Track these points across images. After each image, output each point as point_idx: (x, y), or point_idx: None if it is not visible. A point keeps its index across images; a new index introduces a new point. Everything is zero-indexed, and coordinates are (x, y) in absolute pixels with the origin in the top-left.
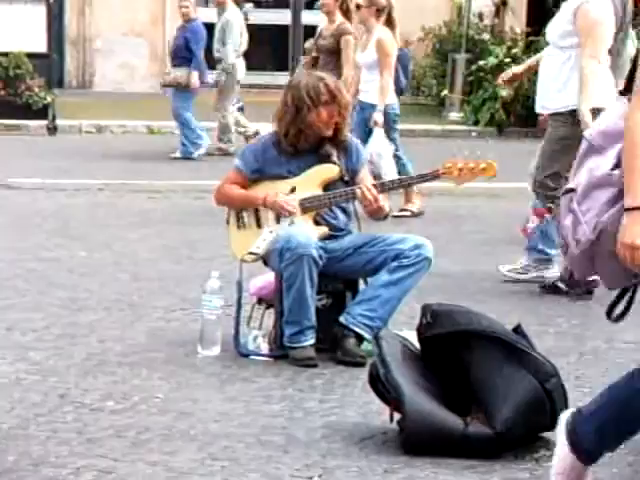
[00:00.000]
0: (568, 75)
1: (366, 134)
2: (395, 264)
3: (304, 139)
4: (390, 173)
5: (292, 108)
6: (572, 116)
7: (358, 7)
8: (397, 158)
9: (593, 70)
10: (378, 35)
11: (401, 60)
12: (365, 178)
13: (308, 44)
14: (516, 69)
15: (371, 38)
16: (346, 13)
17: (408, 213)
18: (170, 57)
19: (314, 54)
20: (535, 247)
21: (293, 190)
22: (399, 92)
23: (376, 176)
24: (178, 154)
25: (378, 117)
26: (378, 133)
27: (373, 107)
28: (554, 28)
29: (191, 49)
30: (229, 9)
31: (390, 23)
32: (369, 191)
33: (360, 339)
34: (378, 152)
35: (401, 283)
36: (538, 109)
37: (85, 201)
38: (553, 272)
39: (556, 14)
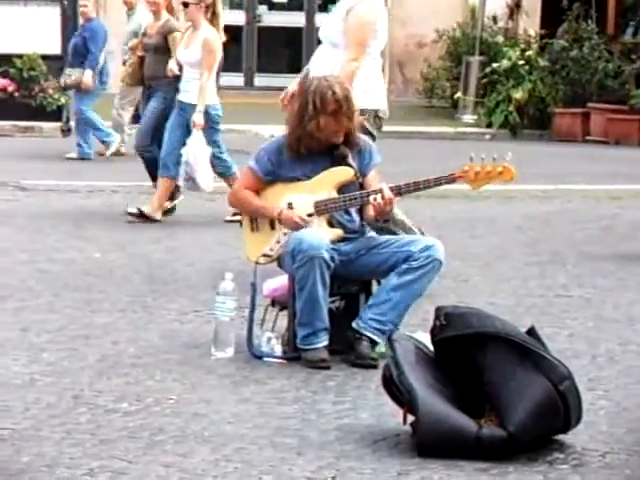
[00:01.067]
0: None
1: (184, 135)
2: (405, 267)
3: (305, 146)
4: (205, 177)
5: (297, 114)
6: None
7: (186, 5)
8: (220, 160)
9: (353, 72)
10: (205, 34)
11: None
12: (373, 180)
13: (131, 44)
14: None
15: (197, 36)
16: (171, 11)
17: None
18: (68, 57)
19: (139, 53)
20: None
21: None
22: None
23: (191, 178)
24: (74, 155)
25: (197, 118)
26: (197, 135)
27: (194, 107)
28: (328, 26)
29: (89, 49)
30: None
31: (215, 19)
32: (387, 194)
33: (374, 342)
34: (195, 154)
35: (410, 286)
36: None
37: (99, 203)
38: None
39: (332, 12)
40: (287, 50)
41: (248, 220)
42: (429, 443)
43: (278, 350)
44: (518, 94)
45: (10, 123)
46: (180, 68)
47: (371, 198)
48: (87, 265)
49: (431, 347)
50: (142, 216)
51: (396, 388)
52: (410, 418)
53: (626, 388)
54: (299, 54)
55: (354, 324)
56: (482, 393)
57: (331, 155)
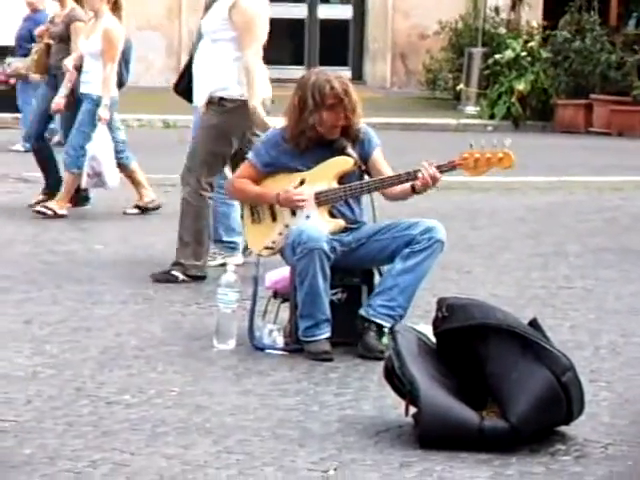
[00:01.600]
0: (224, 67)
1: (85, 126)
2: (408, 250)
3: (306, 140)
4: (111, 172)
5: (297, 109)
6: (222, 105)
7: None
8: (118, 152)
9: (257, 66)
10: (106, 24)
11: (125, 53)
12: (378, 161)
13: (38, 30)
14: None
15: (98, 26)
16: (78, 0)
17: (136, 211)
18: (15, 47)
19: (46, 41)
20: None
21: (302, 182)
22: (119, 85)
23: (97, 174)
24: (19, 147)
25: (103, 112)
26: (101, 129)
27: (94, 98)
28: (210, 21)
29: (35, 40)
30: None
31: (117, 9)
32: (430, 170)
33: (381, 332)
34: (101, 149)
35: (416, 269)
36: (198, 102)
37: (101, 195)
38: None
39: (213, 7)
40: (290, 42)
41: (249, 212)
42: (431, 435)
43: (280, 342)
44: (521, 85)
45: (12, 115)
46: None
47: (419, 174)
48: (89, 257)
49: (433, 339)
50: (47, 213)
51: (398, 380)
52: (412, 410)
53: (628, 380)
54: (301, 46)
55: (363, 312)
56: (484, 385)
57: (330, 146)
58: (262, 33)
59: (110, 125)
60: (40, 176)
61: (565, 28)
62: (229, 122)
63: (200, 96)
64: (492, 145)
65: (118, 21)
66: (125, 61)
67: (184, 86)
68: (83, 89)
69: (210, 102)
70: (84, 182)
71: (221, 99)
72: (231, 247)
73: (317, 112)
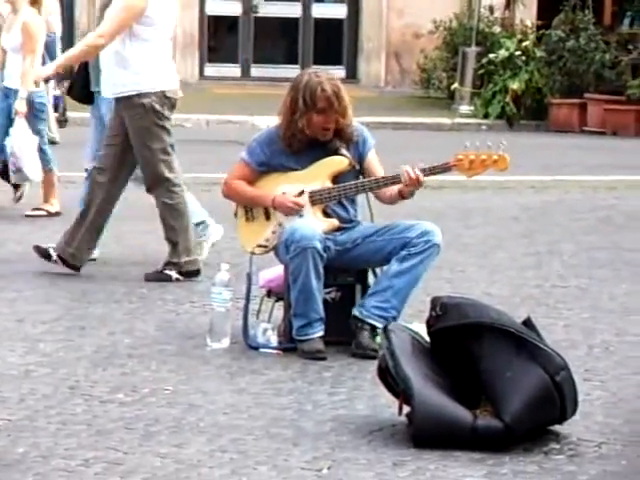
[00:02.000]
0: (127, 63)
1: (10, 122)
2: (404, 253)
3: (297, 142)
4: (32, 166)
5: (288, 110)
6: (138, 103)
7: None
8: (41, 152)
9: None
10: (25, 17)
11: (48, 46)
12: (373, 162)
13: None
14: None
15: (17, 19)
16: None
17: (44, 213)
18: None
19: None
20: None
21: (301, 193)
22: (46, 80)
23: (18, 169)
24: None
25: (19, 106)
26: (20, 123)
27: (16, 93)
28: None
29: None
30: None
31: (35, 2)
32: (413, 172)
33: (374, 332)
34: (19, 144)
35: (412, 271)
36: (109, 94)
37: None
38: None
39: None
40: (284, 41)
41: (243, 210)
42: (425, 434)
43: (274, 341)
44: (515, 85)
45: None
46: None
47: (402, 178)
48: None
49: (427, 338)
50: None
51: (392, 379)
52: (406, 409)
53: (622, 379)
54: (296, 45)
55: (356, 312)
56: (478, 383)
57: (325, 147)
58: (130, 23)
59: (36, 122)
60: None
61: (559, 27)
62: (150, 116)
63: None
64: (487, 146)
65: (37, 14)
66: (49, 54)
67: (79, 91)
68: (7, 83)
69: (128, 104)
70: (12, 177)
71: (134, 97)
72: (204, 226)
73: (307, 114)
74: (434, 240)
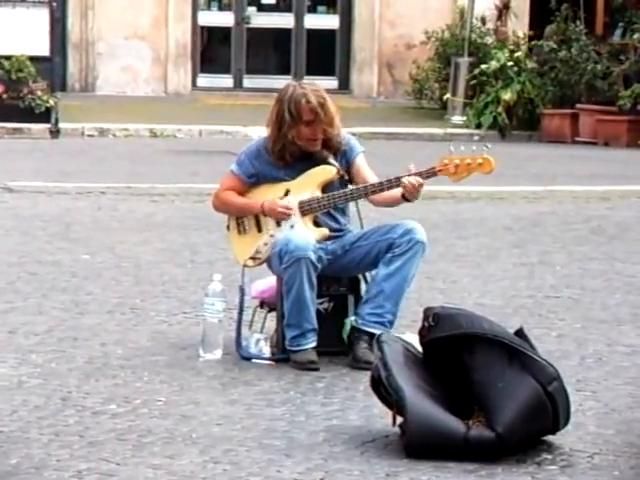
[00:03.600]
0: None
1: None
2: (389, 255)
3: (289, 153)
4: None
5: (276, 123)
6: None
7: None
8: None
9: None
10: None
11: None
12: (362, 168)
13: None
14: None
15: None
16: None
17: None
18: None
19: None
20: None
21: (287, 193)
22: None
23: None
24: None
25: None
26: None
27: None
28: None
29: None
30: None
31: None
32: (414, 178)
33: (373, 338)
34: None
35: (399, 272)
36: None
37: (87, 204)
38: None
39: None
40: (276, 52)
41: (235, 223)
42: (418, 444)
43: (267, 352)
44: (507, 95)
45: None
46: None
47: (405, 180)
48: (75, 267)
49: (420, 348)
50: None
51: (385, 389)
52: (399, 419)
53: (614, 389)
54: (288, 55)
55: (353, 323)
56: (470, 394)
57: (313, 157)
58: None
59: None
60: (27, 185)
61: (550, 38)
62: None
63: None
64: (471, 151)
65: None
66: None
67: None
68: None
69: None
70: None
71: None
72: None
73: (295, 127)
74: (417, 237)
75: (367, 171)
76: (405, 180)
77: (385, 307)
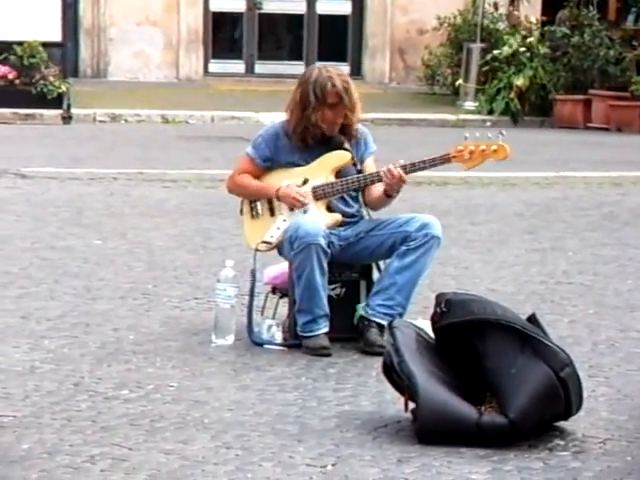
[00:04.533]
0: None
1: None
2: (404, 248)
3: (311, 136)
4: None
5: (300, 105)
6: None
7: None
8: None
9: None
10: None
11: None
12: (371, 168)
13: None
14: None
15: None
16: None
17: None
18: None
19: None
20: None
21: (305, 182)
22: None
23: None
24: None
25: None
26: None
27: None
28: None
29: None
30: None
31: None
32: (394, 170)
33: (382, 330)
34: None
35: (413, 266)
36: None
37: (99, 190)
38: None
39: None
40: (288, 37)
41: (248, 207)
42: (430, 430)
43: (279, 337)
44: (519, 81)
45: (10, 110)
46: None
47: (382, 173)
48: (88, 252)
49: (432, 334)
50: None
51: (397, 375)
52: (411, 405)
53: (627, 375)
54: (300, 41)
55: (362, 312)
56: (483, 380)
57: (328, 142)
58: None
59: None
60: (40, 171)
61: (562, 23)
62: None
63: None
64: (487, 137)
65: None
66: None
67: None
68: None
69: None
70: None
71: None
72: None
73: (320, 109)
74: (433, 232)
75: (374, 169)
76: (388, 174)
77: (396, 299)
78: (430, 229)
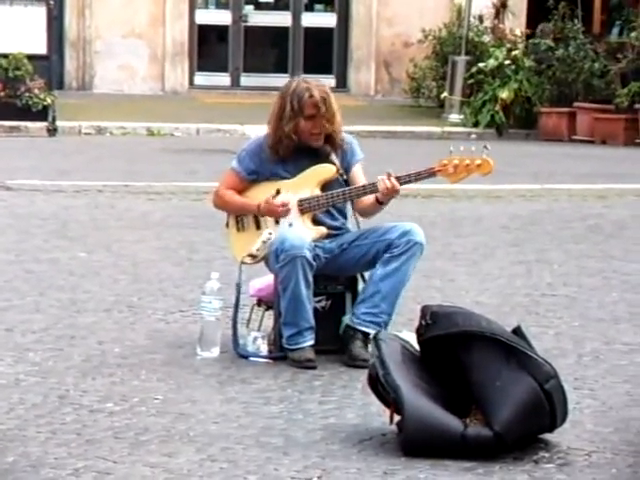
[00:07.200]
0: None
1: None
2: (387, 255)
3: (283, 147)
4: None
5: (277, 116)
6: None
7: None
8: None
9: None
10: None
11: None
12: (358, 175)
13: None
14: None
15: None
16: None
17: None
18: None
19: None
20: None
21: (278, 192)
22: None
23: None
24: None
25: None
26: None
27: None
28: None
29: None
30: None
31: None
32: (389, 181)
33: (367, 339)
34: None
35: (397, 273)
36: None
37: (84, 203)
38: None
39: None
40: (274, 50)
41: (234, 220)
42: (415, 442)
43: (264, 350)
44: (504, 94)
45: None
46: None
47: (380, 182)
48: (72, 265)
49: (417, 346)
50: None
51: (382, 387)
52: (396, 417)
53: (612, 387)
54: (285, 54)
55: (348, 321)
56: (468, 392)
57: (314, 154)
58: None
59: None
60: (25, 183)
61: (544, 35)
62: None
63: None
64: (471, 151)
65: None
66: None
67: None
68: None
69: None
70: None
71: None
72: None
73: (294, 120)
74: (415, 239)
75: (362, 179)
76: (382, 184)
77: (381, 307)
78: (412, 235)
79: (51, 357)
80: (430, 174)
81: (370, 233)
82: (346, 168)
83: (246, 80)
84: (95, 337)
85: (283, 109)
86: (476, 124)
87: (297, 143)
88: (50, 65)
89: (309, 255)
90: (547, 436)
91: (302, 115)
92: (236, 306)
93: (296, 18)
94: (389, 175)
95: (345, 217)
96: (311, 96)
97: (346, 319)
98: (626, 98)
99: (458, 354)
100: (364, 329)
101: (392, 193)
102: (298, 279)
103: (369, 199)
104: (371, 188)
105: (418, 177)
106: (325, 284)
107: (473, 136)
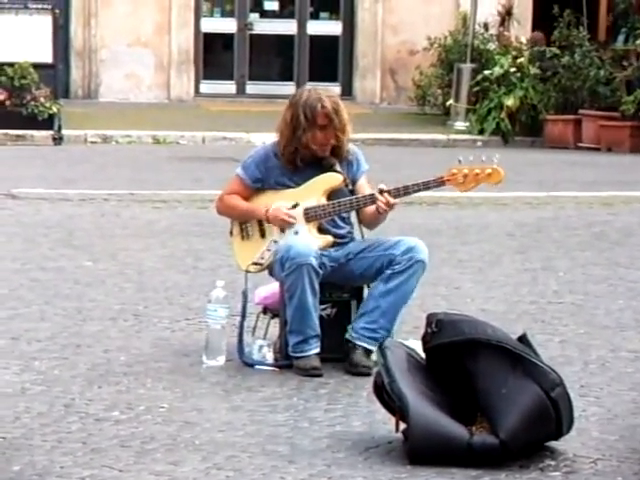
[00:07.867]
0: None
1: None
2: (389, 272)
3: (300, 157)
4: None
5: (290, 126)
6: None
7: None
8: None
9: None
10: None
11: None
12: (363, 187)
13: None
14: None
15: None
16: None
17: None
18: None
19: None
20: None
21: (295, 206)
22: None
23: None
24: None
25: None
26: None
27: None
28: None
29: None
30: None
31: None
32: (386, 197)
33: (367, 352)
34: None
35: (397, 290)
36: None
37: (90, 211)
38: None
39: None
40: (279, 58)
41: (238, 229)
42: (421, 450)
43: (270, 358)
44: (510, 101)
45: (1, 131)
46: None
47: (377, 195)
48: (78, 274)
49: (423, 354)
50: None
51: (388, 395)
52: (402, 425)
53: (617, 395)
54: (291, 62)
55: (347, 335)
56: (474, 400)
57: (319, 163)
58: None
59: None
60: (30, 192)
61: (537, 44)
62: None
63: None
64: (480, 161)
65: None
66: None
67: None
68: None
69: None
70: None
71: None
72: None
73: (310, 130)
74: (418, 257)
75: (368, 191)
76: (380, 199)
77: (379, 323)
78: (415, 253)
79: (57, 366)
80: (439, 183)
81: (375, 246)
82: (352, 180)
83: (252, 88)
84: (101, 345)
85: (296, 119)
86: (482, 132)
87: (312, 153)
88: (56, 74)
89: (315, 263)
90: (553, 444)
91: (315, 126)
92: (242, 314)
93: (301, 26)
94: (381, 191)
95: (351, 225)
96: (323, 107)
97: (349, 330)
98: (632, 105)
99: (464, 362)
100: (362, 344)
101: (388, 208)
102: (304, 287)
103: (371, 210)
104: (378, 197)
105: (427, 186)
106: (330, 292)
107: (479, 144)
